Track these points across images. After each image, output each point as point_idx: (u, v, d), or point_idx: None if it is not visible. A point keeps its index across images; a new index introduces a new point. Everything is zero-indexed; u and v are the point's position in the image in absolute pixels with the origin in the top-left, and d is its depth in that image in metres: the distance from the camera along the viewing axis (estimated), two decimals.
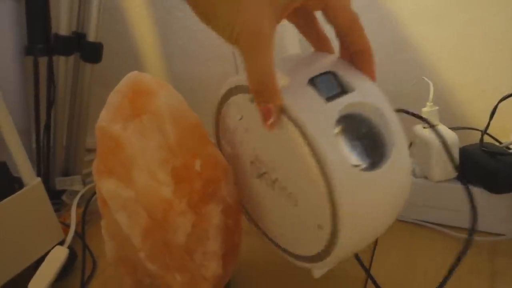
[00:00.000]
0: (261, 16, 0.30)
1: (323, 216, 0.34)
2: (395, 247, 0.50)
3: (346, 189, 0.32)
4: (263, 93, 0.33)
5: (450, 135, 0.48)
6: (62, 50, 0.62)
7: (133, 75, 0.40)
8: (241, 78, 0.37)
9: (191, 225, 0.40)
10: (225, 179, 0.42)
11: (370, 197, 0.34)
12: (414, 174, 0.53)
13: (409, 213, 0.53)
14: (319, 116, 0.32)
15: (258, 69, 0.32)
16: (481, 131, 0.50)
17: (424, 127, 0.50)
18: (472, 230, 0.36)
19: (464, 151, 0.49)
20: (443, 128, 0.49)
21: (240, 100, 0.38)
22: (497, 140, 0.57)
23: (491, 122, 0.53)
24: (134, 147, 0.39)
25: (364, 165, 0.33)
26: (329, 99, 0.33)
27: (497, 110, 0.49)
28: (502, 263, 0.44)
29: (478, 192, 0.48)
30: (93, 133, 0.41)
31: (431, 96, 0.49)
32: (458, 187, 0.49)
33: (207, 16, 0.31)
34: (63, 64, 0.63)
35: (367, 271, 0.44)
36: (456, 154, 0.48)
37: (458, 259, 0.36)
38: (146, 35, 0.81)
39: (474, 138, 0.52)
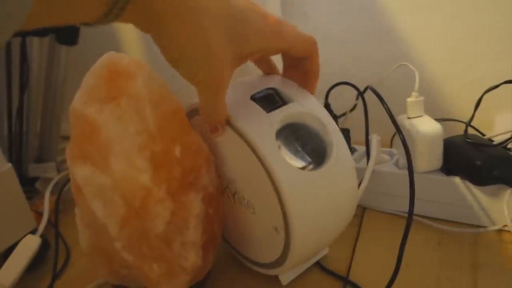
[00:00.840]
0: (223, 67, 0.33)
1: (277, 218, 0.37)
2: (377, 238, 0.49)
3: (292, 189, 0.36)
4: (212, 121, 0.38)
5: (434, 126, 0.47)
6: (36, 31, 0.60)
7: (109, 55, 0.38)
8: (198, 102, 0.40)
9: (170, 213, 0.38)
10: (207, 167, 0.41)
11: (315, 195, 0.37)
12: (398, 165, 0.53)
13: (393, 204, 0.52)
14: (261, 126, 0.37)
15: (212, 108, 0.36)
16: (465, 122, 0.50)
17: (408, 118, 0.50)
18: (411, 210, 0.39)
19: (448, 142, 0.48)
20: (427, 119, 0.49)
21: (200, 122, 0.41)
22: (480, 133, 0.57)
23: (476, 114, 0.53)
24: (111, 132, 0.37)
25: (308, 167, 0.37)
26: (270, 110, 0.38)
27: (482, 102, 0.49)
28: (484, 255, 0.44)
29: (461, 183, 0.47)
30: (68, 119, 0.39)
31: (416, 85, 0.49)
32: (442, 178, 0.48)
33: (175, 60, 0.33)
34: (37, 46, 0.61)
35: (343, 278, 0.44)
36: (440, 145, 0.48)
37: (405, 237, 0.39)
38: None
39: (459, 129, 0.52)
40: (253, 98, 0.38)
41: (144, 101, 0.38)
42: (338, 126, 0.56)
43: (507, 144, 0.49)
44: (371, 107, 0.51)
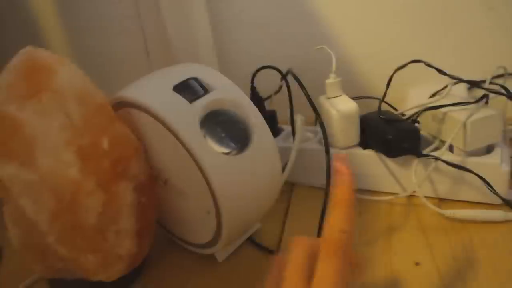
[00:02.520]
0: None
1: (207, 202, 0.40)
2: (306, 211, 0.52)
3: (218, 174, 0.38)
4: None
5: (351, 105, 0.51)
6: None
7: (27, 51, 0.37)
8: (123, 95, 0.41)
9: (101, 204, 0.39)
10: (136, 156, 0.42)
11: (241, 178, 0.40)
12: (321, 142, 0.56)
13: (319, 179, 0.56)
14: (184, 115, 0.39)
15: None
16: (378, 99, 0.54)
17: (328, 98, 0.53)
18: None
19: (364, 119, 0.52)
20: (345, 98, 0.52)
21: (125, 114, 0.42)
22: (394, 108, 0.62)
23: (390, 91, 0.57)
24: (35, 128, 0.37)
25: (233, 152, 0.40)
26: (192, 100, 0.40)
27: (395, 79, 0.53)
28: (397, 219, 0.49)
29: (376, 156, 0.52)
30: None
31: (333, 67, 0.52)
32: (359, 152, 0.53)
33: None
34: None
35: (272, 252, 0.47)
36: (357, 122, 0.52)
37: (324, 208, 0.44)
38: (47, 6, 0.75)
39: (375, 106, 0.56)
40: (175, 88, 0.40)
41: (67, 95, 0.38)
42: (264, 108, 0.59)
43: (416, 117, 0.54)
44: (297, 88, 0.54)
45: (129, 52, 0.73)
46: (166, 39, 0.66)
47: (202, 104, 0.39)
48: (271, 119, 0.60)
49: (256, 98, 0.59)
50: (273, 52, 0.71)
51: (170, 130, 0.38)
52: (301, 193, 0.57)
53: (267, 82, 0.60)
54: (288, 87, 0.55)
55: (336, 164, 0.33)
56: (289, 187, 0.58)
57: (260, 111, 0.59)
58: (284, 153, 0.53)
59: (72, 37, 0.77)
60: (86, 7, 0.72)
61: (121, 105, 0.42)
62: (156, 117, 0.39)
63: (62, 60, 0.38)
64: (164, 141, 0.40)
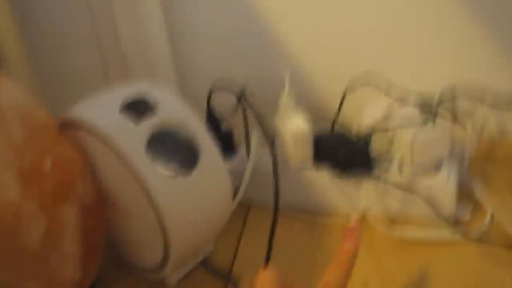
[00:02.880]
0: None
1: (154, 225, 0.39)
2: (260, 233, 0.51)
3: (164, 197, 0.38)
4: None
5: (303, 125, 0.52)
6: None
7: None
8: (69, 115, 0.41)
9: (44, 228, 0.38)
10: (82, 178, 0.41)
11: (188, 200, 0.40)
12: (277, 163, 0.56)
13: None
14: (130, 136, 0.38)
15: None
16: (333, 119, 0.55)
17: (282, 117, 0.54)
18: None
19: (317, 139, 0.53)
20: (298, 118, 0.53)
21: (72, 134, 0.41)
22: (347, 127, 0.63)
23: (346, 110, 0.58)
24: None
25: (180, 173, 0.40)
26: (139, 121, 0.39)
27: (349, 97, 0.54)
28: None
29: (328, 176, 0.52)
30: None
31: (286, 88, 0.53)
32: (313, 172, 0.53)
33: None
34: None
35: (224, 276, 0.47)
36: (310, 142, 0.52)
37: (272, 231, 0.43)
38: (4, 23, 0.73)
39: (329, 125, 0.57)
40: (122, 108, 0.39)
41: (8, 116, 0.37)
42: (220, 128, 0.59)
43: (369, 137, 0.55)
44: (256, 107, 0.54)
45: (86, 69, 0.72)
46: (123, 56, 0.65)
47: (149, 125, 0.39)
48: (227, 138, 0.60)
49: (212, 118, 0.59)
50: (232, 68, 0.71)
51: (115, 151, 0.38)
52: (257, 214, 0.56)
53: (226, 100, 0.60)
54: (243, 106, 0.55)
55: (349, 228, 0.36)
56: (245, 208, 0.58)
57: (216, 131, 0.59)
58: (240, 173, 0.53)
59: (31, 55, 0.75)
60: (44, 25, 0.71)
61: (67, 125, 0.41)
62: (101, 138, 0.38)
63: (1, 79, 0.37)
64: (110, 163, 0.39)
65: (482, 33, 0.62)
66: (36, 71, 0.76)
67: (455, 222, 0.48)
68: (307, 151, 0.53)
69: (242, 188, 0.52)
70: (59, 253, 0.39)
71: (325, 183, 0.53)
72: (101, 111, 0.39)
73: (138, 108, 0.40)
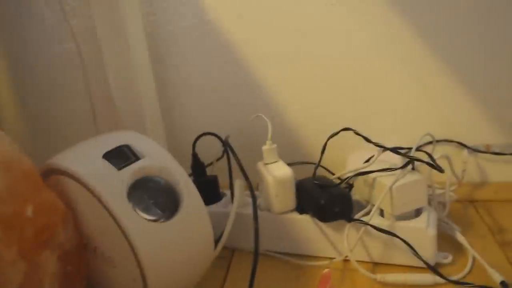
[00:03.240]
0: None
1: (134, 270, 0.39)
2: (244, 279, 0.52)
3: (144, 242, 0.38)
4: None
5: (286, 171, 0.53)
6: None
7: None
8: (52, 162, 0.42)
9: (23, 275, 0.38)
10: (63, 225, 0.41)
11: (168, 245, 0.40)
12: (259, 207, 0.57)
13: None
14: (112, 183, 0.39)
15: None
16: (314, 164, 0.56)
17: (265, 163, 0.55)
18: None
19: (300, 184, 0.54)
20: (281, 164, 0.54)
21: (55, 181, 0.42)
22: (331, 172, 0.64)
23: (329, 156, 0.59)
24: None
25: (161, 219, 0.40)
26: (121, 167, 0.40)
27: (332, 145, 0.55)
28: (333, 283, 0.49)
29: (311, 221, 0.53)
30: None
31: (269, 135, 0.54)
32: (295, 217, 0.54)
33: None
34: None
35: None
36: (292, 187, 0.53)
37: (253, 274, 0.45)
38: None
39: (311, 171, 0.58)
40: (105, 155, 0.40)
41: None
42: (205, 174, 0.60)
43: (351, 183, 0.56)
44: (239, 153, 0.55)
45: (75, 117, 0.74)
46: (113, 103, 0.67)
47: (131, 171, 0.40)
48: (212, 184, 0.61)
49: (198, 164, 0.60)
50: (218, 118, 0.73)
51: (96, 197, 0.38)
52: (241, 259, 0.56)
53: (211, 148, 0.61)
54: (227, 153, 0.56)
55: (323, 275, 0.36)
56: (229, 253, 0.58)
57: (201, 177, 0.60)
58: (225, 218, 0.54)
59: (21, 101, 0.77)
60: (35, 72, 0.73)
61: (50, 172, 0.42)
62: (83, 184, 0.39)
63: None
64: (92, 209, 0.40)
65: (459, 90, 0.65)
66: (26, 118, 0.77)
67: (436, 266, 0.48)
68: (290, 195, 0.54)
69: (225, 233, 0.52)
70: None
71: (308, 227, 0.53)
72: (84, 157, 0.41)
73: (121, 155, 0.42)
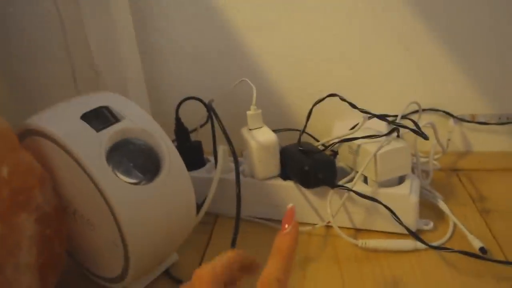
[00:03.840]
0: None
1: (114, 233, 0.39)
2: (227, 244, 0.52)
3: (124, 205, 0.38)
4: None
5: (270, 136, 0.52)
6: None
7: None
8: (29, 123, 0.40)
9: None
10: (41, 186, 0.40)
11: (149, 208, 0.39)
12: (244, 173, 0.56)
13: (242, 211, 0.56)
14: (90, 144, 0.38)
15: None
16: (299, 131, 0.55)
17: (249, 129, 0.54)
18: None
19: (284, 150, 0.54)
20: (265, 130, 0.53)
21: (32, 142, 0.41)
22: (315, 139, 0.64)
23: (315, 123, 0.59)
24: None
25: (142, 182, 0.39)
26: (100, 129, 0.39)
27: (318, 112, 0.54)
28: (314, 249, 0.50)
29: (295, 187, 0.53)
30: None
31: (254, 100, 0.53)
32: (279, 183, 0.53)
33: None
34: None
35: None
36: (276, 153, 0.53)
37: (234, 239, 0.45)
38: None
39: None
40: (83, 116, 0.39)
41: None
42: (189, 139, 0.59)
43: (334, 149, 0.56)
44: (224, 119, 0.54)
45: (56, 79, 0.71)
46: (94, 67, 0.65)
47: (110, 133, 0.39)
48: (196, 150, 0.60)
49: (181, 129, 0.59)
50: (202, 83, 0.72)
51: (74, 159, 0.37)
52: (224, 225, 0.56)
53: (196, 113, 0.60)
54: (211, 118, 0.55)
55: (285, 215, 0.34)
56: (213, 218, 0.58)
57: (185, 142, 0.59)
58: (208, 183, 0.53)
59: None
60: (14, 32, 0.71)
61: (27, 133, 0.41)
62: (61, 146, 0.38)
63: None
64: (71, 171, 0.39)
65: (447, 60, 0.64)
66: (4, 79, 0.75)
67: (417, 232, 0.48)
68: (274, 161, 0.53)
69: (208, 198, 0.52)
70: (15, 261, 0.38)
71: (292, 193, 0.53)
72: (61, 118, 0.39)
73: (100, 116, 0.40)
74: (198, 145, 0.60)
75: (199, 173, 0.58)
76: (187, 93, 0.60)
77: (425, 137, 0.48)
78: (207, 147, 0.61)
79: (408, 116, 0.58)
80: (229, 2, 0.66)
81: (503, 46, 0.63)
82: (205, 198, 0.52)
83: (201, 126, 0.61)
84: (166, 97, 0.73)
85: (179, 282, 0.46)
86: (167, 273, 0.48)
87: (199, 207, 0.50)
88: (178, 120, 0.58)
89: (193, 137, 0.61)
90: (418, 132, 0.49)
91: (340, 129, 0.64)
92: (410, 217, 0.48)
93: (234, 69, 0.70)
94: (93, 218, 0.41)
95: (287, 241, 0.34)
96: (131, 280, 0.42)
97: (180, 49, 0.70)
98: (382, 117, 0.51)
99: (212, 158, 0.62)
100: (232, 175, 0.56)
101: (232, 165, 0.59)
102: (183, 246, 0.47)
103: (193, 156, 0.59)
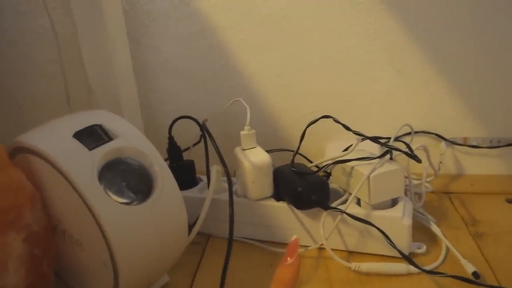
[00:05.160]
0: None
1: (104, 254, 0.38)
2: (218, 265, 0.51)
3: (115, 225, 0.37)
4: None
5: (263, 157, 0.52)
6: None
7: None
8: (21, 140, 0.40)
9: None
10: (31, 205, 0.39)
11: (140, 229, 0.39)
12: (236, 193, 0.56)
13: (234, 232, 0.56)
14: (82, 163, 0.37)
15: None
16: (293, 152, 0.55)
17: (243, 149, 0.54)
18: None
19: (277, 171, 0.53)
20: (259, 150, 0.53)
21: (23, 160, 0.40)
22: (309, 160, 0.64)
23: (308, 145, 0.59)
24: None
25: (134, 202, 0.39)
26: (93, 147, 0.39)
27: (311, 133, 0.54)
28: (307, 271, 0.49)
29: (288, 208, 0.52)
30: None
31: (248, 120, 0.53)
32: (271, 204, 0.53)
33: None
34: None
35: None
36: (269, 174, 0.53)
37: (227, 261, 0.44)
38: None
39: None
40: (76, 135, 0.39)
41: None
42: (182, 158, 0.59)
43: (329, 171, 0.55)
44: (216, 138, 0.54)
45: (49, 96, 0.71)
46: (88, 84, 0.65)
47: (103, 152, 0.39)
48: (188, 169, 0.59)
49: (174, 148, 0.59)
50: (196, 102, 0.72)
51: (65, 178, 0.37)
52: (216, 246, 0.56)
53: (189, 133, 0.60)
54: (205, 138, 0.55)
55: (289, 246, 0.35)
56: (204, 239, 0.57)
57: (177, 161, 0.59)
58: (200, 203, 0.53)
59: None
60: (7, 47, 0.71)
61: (18, 151, 0.40)
62: (52, 164, 0.37)
63: None
64: (61, 190, 0.38)
65: (439, 83, 0.65)
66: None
67: (410, 256, 0.48)
68: (267, 181, 0.53)
69: (200, 218, 0.51)
70: (1, 282, 0.37)
71: (285, 214, 0.53)
72: (54, 136, 0.39)
73: (93, 134, 0.40)
74: (190, 164, 0.60)
75: (191, 192, 0.58)
76: (180, 112, 0.60)
77: (418, 160, 0.49)
78: (199, 166, 0.61)
79: (400, 139, 0.59)
80: (224, 22, 0.67)
81: (495, 71, 0.63)
82: (197, 218, 0.52)
83: (194, 145, 0.61)
84: (159, 115, 0.73)
85: None
86: None
87: (190, 227, 0.49)
88: (171, 139, 0.58)
89: (185, 156, 0.61)
90: (411, 155, 0.49)
91: (333, 150, 0.64)
92: (403, 240, 0.48)
93: (227, 88, 0.70)
94: (82, 238, 0.40)
95: (289, 273, 0.34)
96: None
97: (174, 68, 0.70)
98: (375, 139, 0.51)
99: (204, 178, 0.61)
100: (224, 195, 0.56)
101: (224, 185, 0.58)
102: (174, 267, 0.46)
103: (185, 175, 0.59)
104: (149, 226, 0.39)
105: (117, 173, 0.39)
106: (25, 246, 0.39)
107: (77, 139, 0.39)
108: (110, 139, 0.40)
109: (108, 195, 0.38)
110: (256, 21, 0.66)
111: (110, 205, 0.37)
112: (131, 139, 0.41)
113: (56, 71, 0.68)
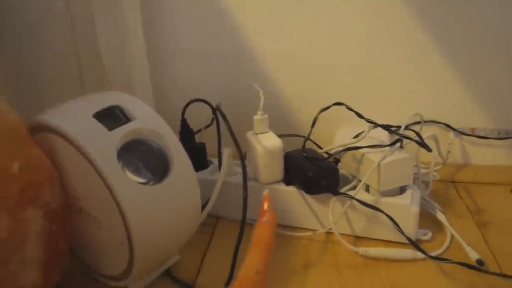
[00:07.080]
0: None
1: (121, 232, 0.39)
2: (227, 245, 0.52)
3: (133, 204, 0.38)
4: None
5: (275, 141, 0.53)
6: None
7: None
8: (41, 119, 0.40)
9: (6, 231, 0.37)
10: (50, 183, 0.40)
11: (157, 208, 0.40)
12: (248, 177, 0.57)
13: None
14: (102, 143, 0.38)
15: None
16: (305, 137, 0.56)
17: (255, 133, 0.54)
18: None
19: (288, 156, 0.54)
20: (271, 135, 0.54)
21: (43, 139, 0.41)
22: (319, 146, 0.64)
23: (319, 130, 0.59)
24: None
25: (151, 182, 0.40)
26: (112, 128, 0.39)
27: (322, 119, 0.55)
28: (315, 255, 0.51)
29: (297, 193, 0.53)
30: None
31: (261, 104, 0.54)
32: (282, 188, 0.54)
33: None
34: None
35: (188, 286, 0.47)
36: (281, 159, 0.54)
37: (238, 242, 0.45)
38: None
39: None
40: (96, 115, 0.40)
41: None
42: (194, 141, 0.59)
43: (339, 157, 0.56)
44: (229, 122, 0.55)
45: (62, 75, 0.71)
46: (101, 66, 0.65)
47: (122, 133, 0.39)
48: (200, 151, 0.60)
49: (186, 131, 0.59)
50: (208, 85, 0.72)
51: (85, 157, 0.38)
52: (225, 227, 0.57)
53: (200, 115, 0.61)
54: (217, 120, 0.56)
55: (262, 205, 0.34)
56: (214, 220, 0.58)
57: (189, 144, 0.60)
58: (211, 185, 0.54)
59: (6, 57, 0.74)
60: (21, 24, 0.71)
61: (39, 129, 0.41)
62: (72, 143, 0.38)
63: None
64: (80, 169, 0.39)
65: (450, 74, 0.65)
66: (11, 73, 0.75)
67: (416, 242, 0.49)
68: (278, 166, 0.54)
69: (211, 200, 0.52)
70: (21, 256, 0.38)
71: (294, 199, 0.54)
72: (74, 115, 0.40)
73: (112, 115, 0.41)
74: (202, 147, 0.60)
75: (202, 174, 0.58)
76: (191, 93, 0.61)
77: (429, 149, 0.49)
78: (209, 149, 0.62)
79: (410, 127, 0.59)
80: (238, 4, 0.67)
81: (504, 63, 0.64)
82: (208, 200, 0.52)
83: (206, 127, 0.62)
84: (171, 97, 0.73)
85: (179, 282, 0.47)
86: (167, 272, 0.48)
87: (201, 208, 0.50)
88: (184, 121, 0.59)
89: (197, 138, 0.62)
90: (422, 144, 0.50)
91: (342, 137, 0.64)
92: (410, 227, 0.49)
93: (240, 72, 0.70)
94: (100, 216, 0.41)
95: (265, 231, 0.33)
96: (134, 279, 0.43)
97: (187, 50, 0.71)
98: (387, 127, 0.52)
99: (214, 160, 0.62)
100: (235, 178, 0.57)
101: (235, 168, 0.59)
102: (184, 246, 0.48)
103: (196, 157, 0.59)
104: (165, 206, 0.40)
105: (135, 153, 0.40)
106: (43, 223, 0.40)
107: (97, 119, 0.39)
108: (128, 120, 0.41)
109: (127, 174, 0.39)
110: (271, 4, 0.66)
111: (128, 185, 0.38)
112: (148, 121, 0.42)
113: (70, 52, 0.69)
